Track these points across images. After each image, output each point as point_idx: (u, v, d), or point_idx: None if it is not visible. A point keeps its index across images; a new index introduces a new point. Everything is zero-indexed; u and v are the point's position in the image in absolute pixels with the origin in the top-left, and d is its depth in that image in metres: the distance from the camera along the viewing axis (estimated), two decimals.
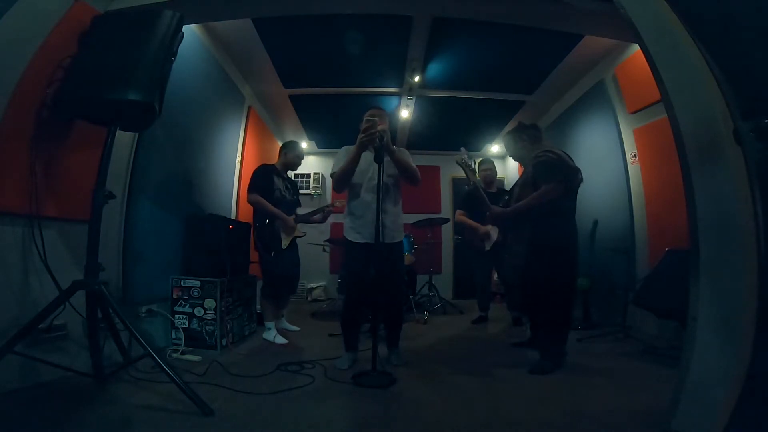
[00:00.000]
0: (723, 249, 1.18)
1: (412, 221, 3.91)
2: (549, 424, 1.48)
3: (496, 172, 3.81)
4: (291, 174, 4.29)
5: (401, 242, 2.30)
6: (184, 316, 2.53)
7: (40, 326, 1.58)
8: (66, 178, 1.91)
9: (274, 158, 3.21)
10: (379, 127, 2.02)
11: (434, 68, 3.71)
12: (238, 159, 3.98)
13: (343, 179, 2.21)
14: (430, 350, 2.69)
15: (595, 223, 3.55)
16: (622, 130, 3.44)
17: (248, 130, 4.18)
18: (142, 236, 2.37)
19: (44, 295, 1.68)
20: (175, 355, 2.30)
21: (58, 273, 1.71)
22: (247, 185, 2.96)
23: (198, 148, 3.14)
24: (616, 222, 3.42)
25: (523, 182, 2.39)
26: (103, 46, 1.79)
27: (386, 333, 2.37)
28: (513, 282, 2.73)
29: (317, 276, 5.63)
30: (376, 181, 2.00)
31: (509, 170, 6.09)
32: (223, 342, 2.55)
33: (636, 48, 2.95)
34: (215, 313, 2.51)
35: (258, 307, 3.18)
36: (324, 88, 4.18)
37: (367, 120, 2.01)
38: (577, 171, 2.25)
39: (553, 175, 2.19)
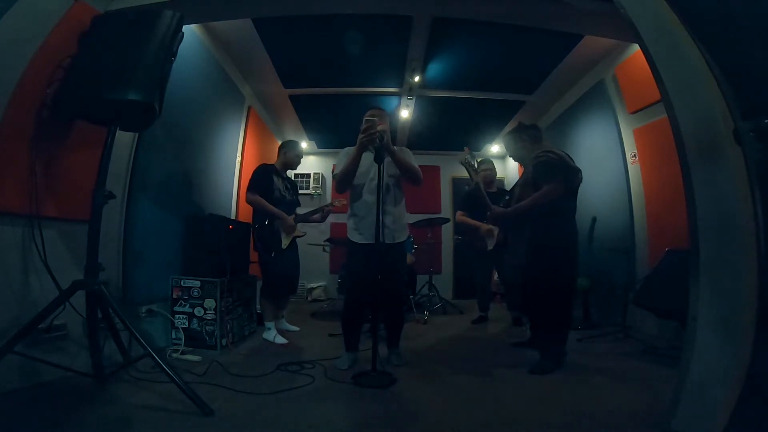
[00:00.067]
0: (723, 249, 1.18)
1: (412, 221, 3.89)
2: (549, 424, 1.48)
3: (495, 172, 3.81)
4: (291, 174, 4.29)
5: (403, 243, 2.29)
6: (184, 316, 2.53)
7: (40, 326, 1.58)
8: (66, 178, 1.91)
9: (274, 158, 3.21)
10: (379, 127, 2.02)
11: (434, 68, 3.71)
12: (238, 159, 3.98)
13: (344, 180, 2.21)
14: (430, 350, 2.69)
15: (594, 219, 3.55)
16: (622, 130, 3.44)
17: (248, 130, 4.18)
18: (142, 236, 2.37)
19: (44, 295, 1.68)
20: (175, 355, 2.30)
21: (58, 273, 1.71)
22: (246, 185, 2.96)
23: (198, 148, 3.14)
24: (616, 222, 3.42)
25: (523, 182, 2.39)
26: (103, 46, 1.79)
27: (386, 333, 2.37)
28: (513, 282, 2.74)
29: (317, 276, 5.63)
30: (377, 182, 2.00)
31: (509, 170, 6.09)
32: (223, 342, 2.55)
33: (636, 48, 2.95)
34: (215, 313, 2.51)
35: (258, 307, 3.18)
36: (324, 88, 4.18)
37: (367, 120, 2.01)
38: (578, 171, 2.25)
39: (554, 176, 2.19)
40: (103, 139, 1.75)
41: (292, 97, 4.40)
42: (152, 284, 2.45)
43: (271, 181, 2.92)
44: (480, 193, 2.56)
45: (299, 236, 3.08)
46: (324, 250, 4.95)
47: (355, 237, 2.23)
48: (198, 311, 2.52)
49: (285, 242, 2.91)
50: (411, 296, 4.13)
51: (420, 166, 2.28)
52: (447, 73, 3.80)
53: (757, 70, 1.07)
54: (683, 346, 1.26)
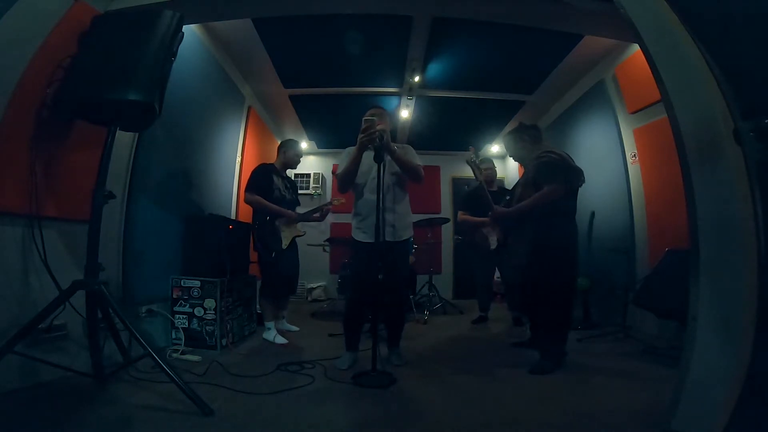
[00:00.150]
0: (723, 249, 1.18)
1: (412, 221, 3.90)
2: (549, 424, 1.48)
3: (496, 171, 3.81)
4: (291, 173, 4.29)
5: (406, 241, 2.28)
6: (184, 316, 2.53)
7: (40, 326, 1.58)
8: (66, 178, 1.91)
9: (274, 158, 3.21)
10: (379, 127, 2.02)
11: (434, 68, 3.71)
12: (238, 159, 3.98)
13: (345, 180, 2.21)
14: (431, 350, 2.69)
15: (592, 214, 3.55)
16: (622, 130, 3.44)
17: (248, 130, 4.18)
18: (142, 236, 2.37)
19: (44, 295, 1.68)
20: (175, 355, 2.30)
21: (58, 273, 1.71)
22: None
23: (198, 148, 3.14)
24: (616, 222, 3.42)
25: (524, 182, 2.39)
26: (103, 46, 1.79)
27: (387, 332, 2.37)
28: (514, 282, 2.74)
29: (317, 276, 5.63)
30: (380, 184, 1.99)
31: (509, 170, 6.09)
32: (223, 342, 2.55)
33: (636, 48, 2.95)
34: (215, 313, 2.51)
35: (258, 307, 3.18)
36: (324, 88, 4.18)
37: (366, 120, 2.02)
38: (580, 172, 2.25)
39: (555, 176, 2.20)
40: (103, 139, 1.75)
41: (292, 97, 4.40)
42: (152, 284, 2.45)
43: (270, 181, 2.92)
44: (483, 193, 2.56)
45: (299, 236, 3.08)
46: (324, 250, 4.96)
47: (358, 236, 2.25)
48: (198, 311, 2.52)
49: (285, 242, 2.91)
50: (411, 296, 4.13)
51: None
52: (447, 73, 3.80)
53: (757, 70, 1.07)
54: (683, 346, 1.26)
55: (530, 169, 2.35)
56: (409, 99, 4.24)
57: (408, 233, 2.28)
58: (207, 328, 2.51)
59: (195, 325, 2.52)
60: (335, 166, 6.04)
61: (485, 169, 3.70)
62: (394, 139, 2.28)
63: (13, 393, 1.58)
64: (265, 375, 2.01)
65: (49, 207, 1.81)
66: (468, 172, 6.22)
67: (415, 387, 1.91)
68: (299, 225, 3.10)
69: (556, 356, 2.19)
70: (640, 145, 3.25)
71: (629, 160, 3.37)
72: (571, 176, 2.22)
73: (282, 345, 2.74)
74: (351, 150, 2.18)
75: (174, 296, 2.55)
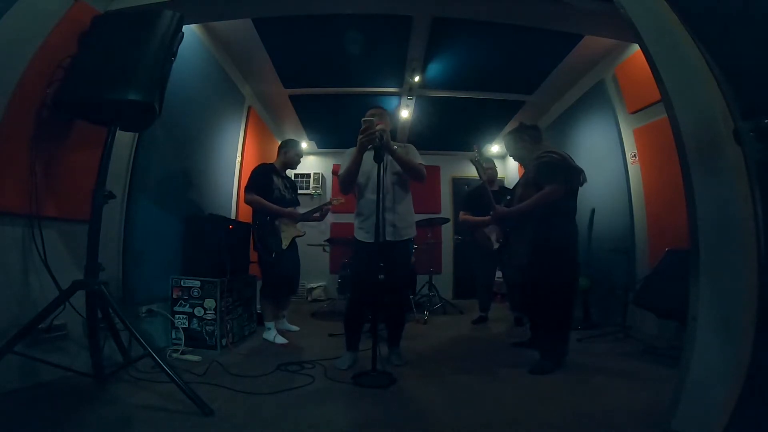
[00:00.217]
0: (723, 249, 1.18)
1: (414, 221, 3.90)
2: (549, 424, 1.48)
3: (497, 171, 3.82)
4: (291, 174, 4.29)
5: (408, 241, 2.27)
6: (184, 316, 2.53)
7: (40, 326, 1.58)
8: (66, 178, 1.91)
9: (274, 158, 3.21)
10: (378, 126, 2.02)
11: (434, 68, 3.71)
12: (238, 159, 3.98)
13: (346, 181, 2.21)
14: (431, 350, 2.69)
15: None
16: (622, 130, 3.44)
17: (248, 130, 4.18)
18: (142, 236, 2.37)
19: (44, 295, 1.68)
20: (175, 355, 2.30)
21: (58, 273, 1.71)
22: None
23: (198, 148, 3.14)
24: (616, 222, 3.42)
25: (525, 182, 2.40)
26: (103, 46, 1.79)
27: (387, 332, 2.37)
28: (516, 282, 2.74)
29: (317, 276, 5.63)
30: (381, 184, 1.99)
31: (509, 170, 6.09)
32: (223, 342, 2.55)
33: (636, 48, 2.95)
34: (215, 313, 2.51)
35: (258, 307, 3.18)
36: (324, 88, 4.18)
37: (365, 121, 2.02)
38: (580, 172, 2.26)
39: (556, 176, 2.20)
40: (103, 139, 1.75)
41: (292, 97, 4.40)
42: (152, 284, 2.45)
43: (270, 181, 2.92)
44: (485, 192, 2.57)
45: (299, 236, 3.08)
46: (324, 250, 4.96)
47: (359, 235, 2.25)
48: (198, 311, 2.52)
49: (285, 242, 2.91)
50: (411, 296, 4.13)
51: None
52: (447, 73, 3.80)
53: (757, 70, 1.07)
54: (683, 346, 1.26)
55: (531, 169, 2.35)
56: (409, 99, 4.24)
57: (410, 233, 2.27)
58: (207, 328, 2.51)
59: (195, 325, 2.52)
60: (335, 166, 6.08)
61: (487, 168, 3.70)
62: (394, 139, 2.28)
63: (13, 393, 1.58)
64: (265, 375, 2.01)
65: (49, 207, 1.81)
66: (468, 172, 6.25)
67: (415, 387, 1.91)
68: (299, 225, 3.10)
69: (557, 356, 2.19)
70: (640, 145, 3.25)
71: (629, 160, 3.37)
72: (571, 176, 2.23)
73: (282, 345, 2.74)
74: (352, 151, 2.18)
75: (174, 296, 2.55)
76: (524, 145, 2.48)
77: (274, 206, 2.85)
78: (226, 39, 3.27)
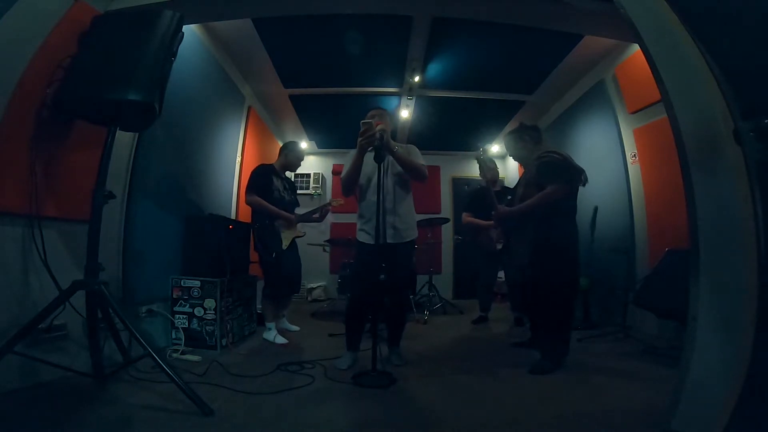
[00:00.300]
0: (723, 249, 1.18)
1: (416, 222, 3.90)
2: (549, 424, 1.48)
3: (498, 170, 3.82)
4: (290, 174, 4.29)
5: (410, 242, 2.26)
6: (184, 316, 2.53)
7: (40, 326, 1.57)
8: (66, 178, 1.91)
9: (274, 158, 3.21)
10: (379, 127, 2.02)
11: (434, 68, 3.71)
12: (238, 159, 3.98)
13: (347, 183, 2.21)
14: (431, 350, 2.69)
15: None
16: (622, 130, 3.44)
17: (248, 130, 4.18)
18: (142, 236, 2.37)
19: (44, 295, 1.68)
20: (175, 355, 2.30)
21: (58, 273, 1.71)
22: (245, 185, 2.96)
23: (198, 148, 3.14)
24: (616, 222, 3.42)
25: (526, 182, 2.40)
26: (103, 46, 1.79)
27: (388, 332, 2.37)
28: (518, 282, 2.75)
29: (317, 276, 5.63)
30: (381, 183, 1.99)
31: (509, 170, 6.09)
32: (223, 342, 2.55)
33: (636, 48, 2.95)
34: (215, 313, 2.51)
35: (258, 307, 3.18)
36: (324, 88, 4.18)
37: (363, 123, 2.01)
38: (581, 172, 2.26)
39: (558, 176, 2.21)
40: (103, 139, 1.75)
41: (292, 97, 4.40)
42: (152, 284, 2.45)
43: (270, 182, 2.92)
44: (488, 193, 2.58)
45: (299, 236, 3.08)
46: (324, 250, 4.96)
47: (361, 237, 2.25)
48: (198, 311, 2.52)
49: (285, 243, 2.91)
50: (411, 296, 4.13)
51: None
52: (447, 73, 3.80)
53: (757, 70, 1.07)
54: (683, 346, 1.26)
55: (532, 169, 2.35)
56: (409, 99, 4.24)
57: (411, 235, 2.26)
58: (207, 328, 2.51)
59: (195, 325, 2.52)
60: (336, 166, 6.08)
61: (490, 169, 3.70)
62: (394, 139, 2.27)
63: (13, 393, 1.57)
64: (265, 375, 2.01)
65: (49, 207, 1.81)
66: (468, 172, 6.26)
67: (415, 387, 1.91)
68: (299, 225, 3.10)
69: (557, 356, 2.19)
70: (640, 145, 3.25)
71: (629, 160, 3.37)
72: (573, 176, 2.24)
73: (282, 345, 2.74)
74: (354, 153, 2.18)
75: (174, 296, 2.55)
76: (525, 145, 2.49)
77: (275, 208, 2.85)
78: (226, 39, 3.27)
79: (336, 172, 6.05)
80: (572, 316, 2.36)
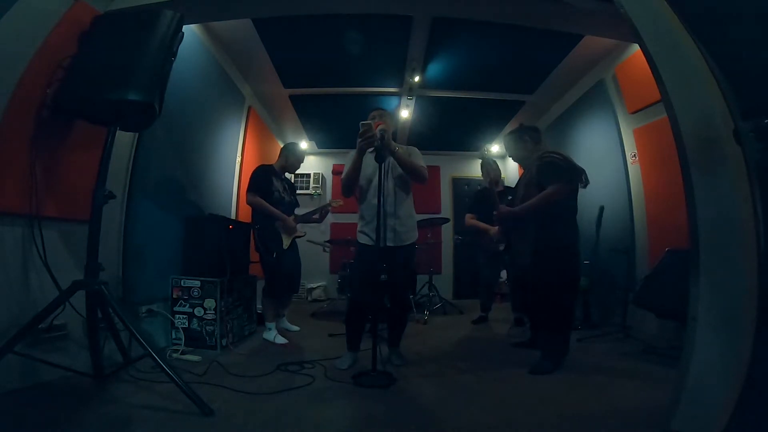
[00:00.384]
0: (723, 249, 1.18)
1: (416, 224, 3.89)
2: (549, 424, 1.48)
3: (500, 170, 3.83)
4: (290, 176, 4.28)
5: (410, 245, 2.26)
6: (184, 316, 2.53)
7: (40, 326, 1.58)
8: (66, 178, 1.91)
9: (274, 158, 3.21)
10: (379, 127, 2.02)
11: (434, 68, 3.71)
12: (238, 159, 3.98)
13: (347, 184, 2.21)
14: (431, 350, 2.69)
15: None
16: (622, 130, 3.44)
17: (248, 130, 4.18)
18: (142, 236, 2.37)
19: (44, 295, 1.68)
20: (175, 355, 2.30)
21: (58, 273, 1.71)
22: (246, 185, 2.96)
23: (198, 148, 3.14)
24: (616, 222, 3.42)
25: (527, 182, 2.40)
26: (103, 46, 1.79)
27: (388, 332, 2.37)
28: (521, 282, 2.75)
29: (317, 276, 5.63)
30: (382, 184, 1.99)
31: (509, 170, 6.09)
32: (223, 342, 2.54)
33: (636, 48, 2.95)
34: (215, 313, 2.51)
35: (259, 307, 3.18)
36: (324, 88, 4.18)
37: (363, 124, 2.01)
38: (582, 172, 2.27)
39: (560, 176, 2.21)
40: (103, 139, 1.75)
41: (292, 97, 4.40)
42: (152, 284, 2.45)
43: (270, 183, 2.92)
44: (491, 194, 2.59)
45: (299, 236, 3.09)
46: (324, 250, 4.96)
47: (362, 238, 2.24)
48: (198, 311, 2.52)
49: (286, 243, 2.91)
50: (411, 296, 4.13)
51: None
52: (447, 73, 3.80)
53: (757, 70, 1.07)
54: (683, 346, 1.26)
55: (533, 170, 2.36)
56: (409, 99, 4.24)
57: (411, 237, 2.26)
58: (207, 328, 2.51)
59: (195, 325, 2.52)
60: (335, 166, 6.08)
61: (493, 169, 3.70)
62: (394, 140, 2.27)
63: (13, 393, 1.58)
64: (265, 375, 2.01)
65: (49, 207, 1.81)
66: (468, 172, 6.26)
67: (415, 387, 1.91)
68: (299, 226, 3.10)
69: (557, 356, 2.19)
70: (640, 145, 3.25)
71: (629, 160, 3.37)
72: (573, 176, 2.24)
73: (282, 345, 2.74)
74: (353, 154, 2.18)
75: (174, 296, 2.55)
76: (525, 145, 2.49)
77: (275, 210, 2.85)
78: (226, 39, 3.27)
79: (336, 172, 6.04)
80: (572, 316, 2.36)
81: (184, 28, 1.87)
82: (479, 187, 4.08)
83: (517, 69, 3.78)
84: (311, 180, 5.94)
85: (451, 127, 5.16)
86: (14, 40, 1.64)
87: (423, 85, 3.94)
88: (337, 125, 5.02)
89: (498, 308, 4.18)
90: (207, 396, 1.57)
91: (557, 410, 1.60)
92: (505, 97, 4.35)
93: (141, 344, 1.59)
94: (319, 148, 6.00)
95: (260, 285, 3.10)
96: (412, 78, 3.75)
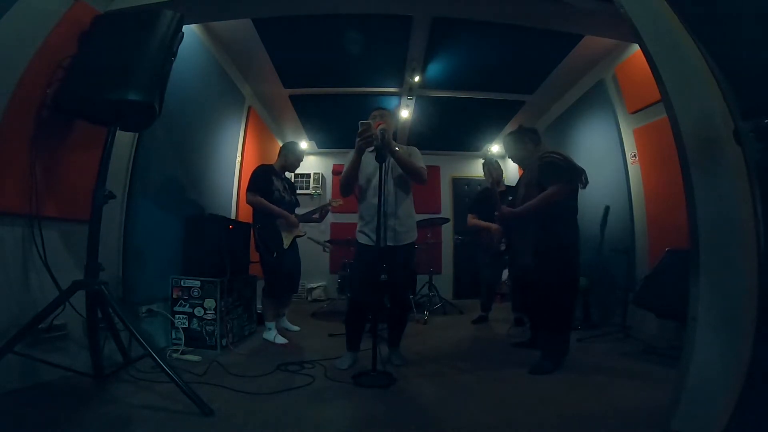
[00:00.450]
0: (723, 249, 1.18)
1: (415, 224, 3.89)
2: (549, 424, 1.48)
3: (502, 170, 3.83)
4: (290, 175, 4.29)
5: (410, 244, 2.25)
6: (184, 316, 2.53)
7: (40, 326, 1.57)
8: (66, 178, 1.91)
9: (274, 158, 3.21)
10: (380, 127, 2.02)
11: (434, 68, 3.71)
12: (238, 159, 3.98)
13: (345, 183, 2.21)
14: (431, 350, 2.69)
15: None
16: (622, 130, 3.44)
17: (248, 130, 4.18)
18: (142, 236, 2.37)
19: (44, 295, 1.68)
20: (175, 355, 2.30)
21: (58, 273, 1.71)
22: (246, 185, 2.96)
23: (198, 148, 3.14)
24: (616, 222, 3.42)
25: (527, 183, 2.41)
26: (103, 46, 1.79)
27: (388, 332, 2.37)
28: (521, 281, 2.75)
29: (317, 276, 5.63)
30: (382, 183, 1.99)
31: (509, 170, 6.08)
32: (223, 342, 2.54)
33: (636, 48, 2.94)
34: (215, 313, 2.51)
35: (258, 307, 3.18)
36: (324, 88, 4.18)
37: (362, 124, 2.01)
38: (582, 172, 2.28)
39: (561, 176, 2.22)
40: (103, 139, 1.75)
41: (292, 97, 4.40)
42: (152, 284, 2.45)
43: (270, 182, 2.92)
44: (493, 193, 2.60)
45: (300, 236, 3.09)
46: (324, 250, 4.96)
47: (361, 238, 2.24)
48: (198, 311, 2.52)
49: (286, 242, 2.91)
50: (411, 296, 4.13)
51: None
52: (447, 73, 3.80)
53: (757, 70, 1.08)
54: (683, 346, 1.26)
55: (533, 170, 2.36)
56: (409, 99, 4.24)
57: (410, 237, 2.25)
58: (207, 328, 2.51)
59: (195, 325, 2.52)
60: (335, 166, 6.08)
61: (496, 169, 3.70)
62: (395, 140, 2.27)
63: (13, 393, 1.58)
64: (265, 375, 2.02)
65: (49, 207, 1.81)
66: (468, 172, 6.25)
67: (415, 387, 1.91)
68: (300, 224, 3.10)
69: (557, 356, 2.19)
70: (640, 145, 3.25)
71: (629, 160, 3.37)
72: (574, 176, 2.24)
73: (282, 345, 2.74)
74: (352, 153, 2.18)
75: (174, 296, 2.55)
76: (525, 146, 2.50)
77: (276, 208, 2.85)
78: (226, 39, 3.27)
79: (336, 172, 6.04)
80: (572, 316, 2.36)
81: (184, 28, 1.87)
82: (479, 187, 4.08)
83: (517, 69, 3.78)
84: (311, 180, 5.93)
85: (451, 127, 5.16)
86: (14, 40, 1.64)
87: (423, 85, 3.94)
88: (337, 125, 5.02)
89: (498, 308, 4.17)
90: (207, 396, 1.57)
91: (557, 410, 1.60)
92: (505, 97, 4.35)
93: (141, 344, 1.59)
94: (319, 148, 6.00)
95: (260, 285, 3.10)
96: (412, 78, 3.75)
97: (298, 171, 3.78)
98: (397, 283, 2.19)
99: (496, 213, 2.59)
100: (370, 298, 2.16)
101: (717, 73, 1.17)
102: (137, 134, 2.34)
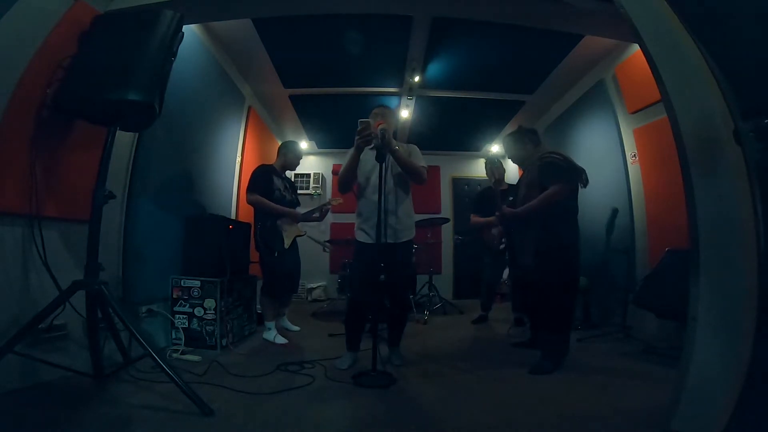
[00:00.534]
0: (723, 249, 1.18)
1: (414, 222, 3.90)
2: (549, 424, 1.48)
3: (504, 170, 3.82)
4: (290, 174, 4.29)
5: (409, 242, 2.26)
6: (184, 316, 2.53)
7: (40, 326, 1.57)
8: (66, 178, 1.91)
9: (274, 158, 3.21)
10: (380, 126, 2.02)
11: (434, 68, 3.71)
12: (238, 159, 3.98)
13: (343, 181, 2.21)
14: (431, 350, 2.69)
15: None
16: (622, 130, 3.44)
17: (248, 130, 4.18)
18: (142, 236, 2.37)
19: (44, 295, 1.68)
20: (175, 355, 2.30)
21: (58, 273, 1.71)
22: (246, 185, 2.96)
23: (198, 148, 3.13)
24: (616, 222, 3.41)
25: (528, 183, 2.41)
26: (103, 46, 1.79)
27: (388, 332, 2.37)
28: (522, 282, 2.75)
29: (317, 276, 5.63)
30: (382, 184, 1.99)
31: (509, 170, 6.07)
32: (223, 342, 2.54)
33: (636, 48, 2.94)
34: (215, 313, 2.51)
35: (258, 306, 3.18)
36: (324, 88, 4.18)
37: (361, 122, 2.01)
38: (582, 172, 2.28)
39: (561, 176, 2.22)
40: (103, 139, 1.75)
41: (292, 97, 4.40)
42: (152, 284, 2.45)
43: (270, 182, 2.92)
44: (494, 193, 2.61)
45: (300, 236, 3.09)
46: (324, 250, 4.96)
47: (360, 236, 2.24)
48: (198, 311, 2.52)
49: (287, 242, 2.91)
50: (411, 296, 4.13)
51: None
52: (447, 73, 3.80)
53: (757, 71, 1.08)
54: (683, 346, 1.26)
55: (533, 170, 2.36)
56: (409, 99, 4.24)
57: (409, 234, 2.26)
58: (207, 328, 2.51)
59: (195, 325, 2.52)
60: (335, 166, 6.08)
61: (498, 168, 3.69)
62: (395, 139, 2.27)
63: (13, 393, 1.58)
64: (265, 375, 2.02)
65: (49, 207, 1.81)
66: (468, 172, 6.25)
67: (415, 387, 1.91)
68: (300, 225, 3.10)
69: (557, 356, 2.19)
70: (640, 145, 3.25)
71: (629, 160, 3.37)
72: (574, 176, 2.24)
73: (282, 345, 2.74)
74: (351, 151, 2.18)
75: (174, 296, 2.55)
76: (525, 147, 2.51)
77: (277, 206, 2.86)
78: (226, 39, 3.26)
79: (336, 171, 6.04)
80: (572, 316, 2.37)
81: (184, 28, 1.86)
82: (479, 187, 4.08)
83: (517, 69, 3.78)
84: (311, 180, 5.93)
85: (451, 127, 5.16)
86: (14, 40, 1.64)
87: (423, 85, 3.93)
88: (337, 125, 5.02)
89: (498, 308, 4.17)
90: (207, 396, 1.57)
91: (557, 410, 1.60)
92: (505, 97, 4.35)
93: (141, 344, 1.59)
94: (319, 148, 5.99)
95: (260, 285, 3.10)
96: (412, 78, 3.75)
97: (298, 171, 3.78)
98: (397, 283, 2.19)
99: (496, 213, 2.59)
100: (369, 298, 2.16)
101: (717, 73, 1.17)
102: (137, 134, 2.34)
